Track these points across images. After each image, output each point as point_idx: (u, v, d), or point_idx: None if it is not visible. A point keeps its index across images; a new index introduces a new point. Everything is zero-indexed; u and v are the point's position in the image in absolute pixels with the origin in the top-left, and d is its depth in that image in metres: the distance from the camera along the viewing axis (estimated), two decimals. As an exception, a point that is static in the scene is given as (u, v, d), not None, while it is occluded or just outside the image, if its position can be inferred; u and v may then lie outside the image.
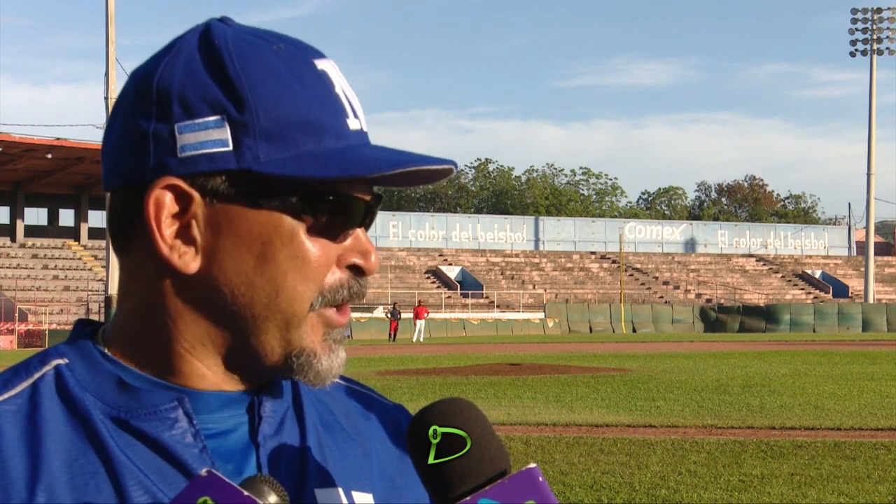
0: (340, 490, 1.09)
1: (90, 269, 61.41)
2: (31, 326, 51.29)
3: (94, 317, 50.35)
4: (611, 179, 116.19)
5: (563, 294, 73.98)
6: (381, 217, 75.48)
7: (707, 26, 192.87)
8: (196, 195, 1.02)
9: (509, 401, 16.86)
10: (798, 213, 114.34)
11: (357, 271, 1.07)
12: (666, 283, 79.75)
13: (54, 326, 49.76)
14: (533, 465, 0.97)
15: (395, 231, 76.07)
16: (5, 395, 1.02)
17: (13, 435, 1.00)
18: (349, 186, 1.05)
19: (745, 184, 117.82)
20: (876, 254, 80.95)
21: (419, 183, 1.10)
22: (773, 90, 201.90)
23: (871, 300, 72.98)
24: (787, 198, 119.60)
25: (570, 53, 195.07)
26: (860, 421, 13.83)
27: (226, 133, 1.01)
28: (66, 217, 66.23)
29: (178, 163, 1.01)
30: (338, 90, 1.06)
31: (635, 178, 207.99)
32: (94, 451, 1.00)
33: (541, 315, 65.79)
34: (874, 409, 15.23)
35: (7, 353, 40.28)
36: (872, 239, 75.83)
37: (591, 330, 65.43)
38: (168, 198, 1.02)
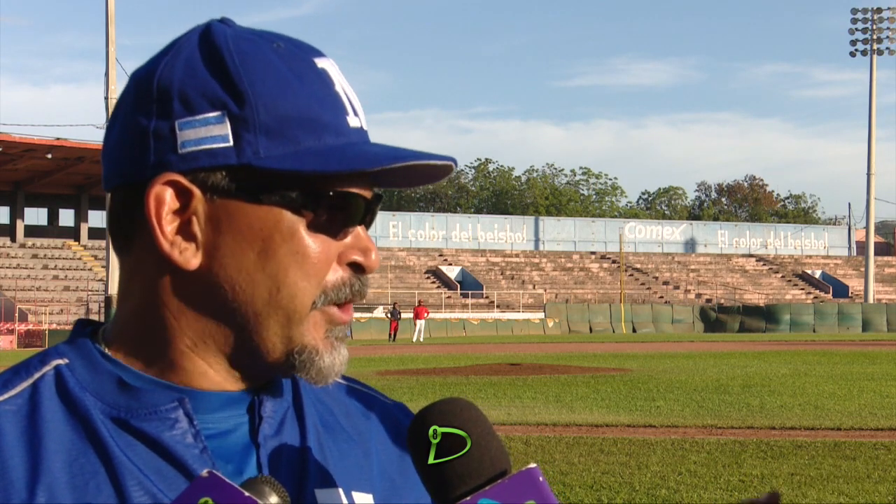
0: (340, 490, 1.09)
1: (90, 269, 61.42)
2: (31, 326, 51.29)
3: (94, 317, 50.35)
4: (611, 179, 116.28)
5: (563, 294, 73.99)
6: (381, 217, 75.48)
7: (707, 26, 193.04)
8: (196, 191, 1.02)
9: (509, 401, 16.86)
10: (798, 213, 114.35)
11: (357, 269, 1.07)
12: (666, 283, 79.75)
13: (54, 326, 49.76)
14: (533, 465, 0.97)
15: (395, 231, 76.08)
16: (5, 395, 1.02)
17: (13, 435, 1.00)
18: (349, 183, 1.05)
19: (745, 184, 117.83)
20: (876, 254, 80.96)
21: (419, 183, 1.10)
22: (773, 90, 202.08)
23: (871, 300, 72.98)
24: (787, 198, 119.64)
25: (570, 53, 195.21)
26: (860, 421, 13.83)
27: (226, 129, 1.01)
28: (66, 217, 66.25)
29: (179, 159, 1.02)
30: (338, 88, 1.07)
31: (635, 178, 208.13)
32: (95, 452, 1.00)
33: (541, 315, 65.79)
34: (874, 409, 15.23)
35: (7, 353, 40.28)
36: (872, 239, 75.83)
37: (591, 330, 65.43)
38: (169, 194, 1.02)
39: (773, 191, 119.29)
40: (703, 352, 34.62)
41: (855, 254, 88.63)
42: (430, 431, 0.98)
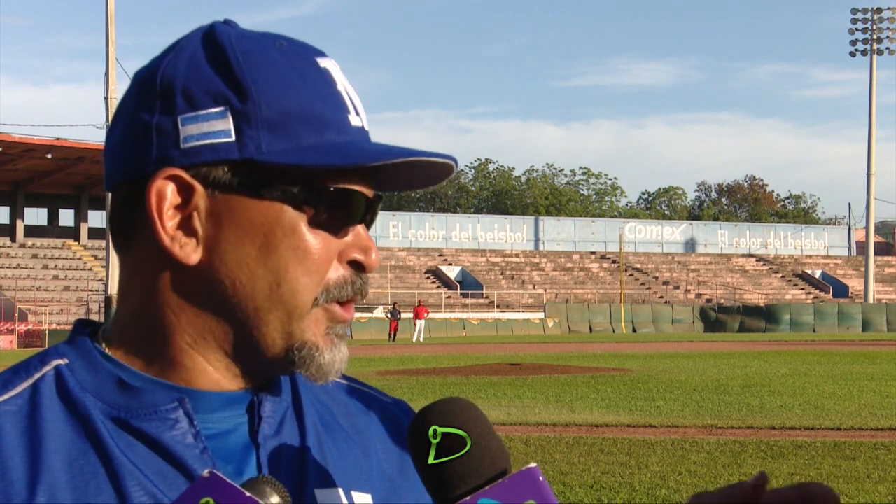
0: (340, 490, 1.09)
1: (90, 269, 61.42)
2: (31, 326, 51.29)
3: (94, 317, 50.36)
4: (611, 179, 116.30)
5: (563, 294, 73.99)
6: (381, 217, 75.47)
7: (707, 26, 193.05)
8: (198, 186, 1.02)
9: (509, 401, 16.86)
10: (798, 213, 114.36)
11: (358, 268, 1.07)
12: (666, 283, 79.75)
13: (54, 326, 49.76)
14: (533, 464, 0.97)
15: (395, 231, 76.08)
16: (5, 396, 1.02)
17: (13, 435, 1.00)
18: (351, 181, 1.05)
19: (745, 184, 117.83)
20: (876, 254, 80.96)
21: (420, 185, 1.11)
22: (773, 90, 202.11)
23: (871, 300, 72.98)
24: (787, 198, 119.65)
25: (570, 53, 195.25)
26: (860, 421, 13.83)
27: (228, 123, 1.02)
28: (66, 217, 66.26)
29: (181, 154, 1.02)
30: (340, 88, 1.07)
31: (635, 178, 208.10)
32: (95, 452, 1.00)
33: (541, 315, 65.79)
34: (874, 409, 15.23)
35: (7, 353, 40.28)
36: (872, 239, 75.83)
37: (591, 330, 65.42)
38: (170, 189, 1.02)
39: (773, 191, 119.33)
40: (703, 352, 34.62)
41: (855, 254, 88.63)
42: (430, 431, 0.98)
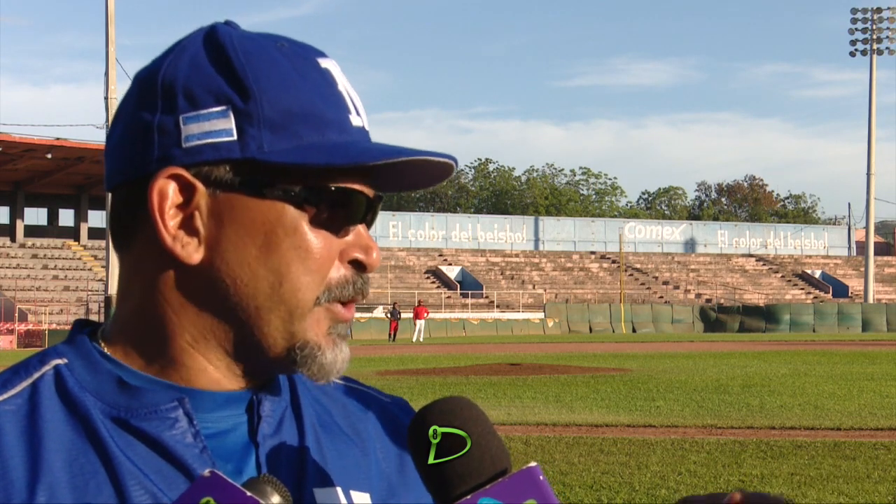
0: (339, 489, 1.09)
1: (90, 269, 61.42)
2: (30, 326, 51.29)
3: (94, 317, 50.37)
4: (610, 179, 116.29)
5: (563, 294, 73.99)
6: (381, 217, 75.47)
7: (707, 26, 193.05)
8: (200, 185, 1.03)
9: (509, 401, 16.86)
10: (798, 213, 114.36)
11: (359, 267, 1.07)
12: (666, 283, 79.75)
13: (54, 326, 49.76)
14: (533, 463, 0.97)
15: (395, 231, 76.08)
16: (5, 395, 1.02)
17: (13, 435, 1.00)
18: (352, 180, 1.05)
19: (745, 184, 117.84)
20: (876, 254, 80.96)
21: (420, 185, 1.11)
22: (773, 90, 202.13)
23: (870, 300, 72.98)
24: (787, 198, 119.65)
25: (570, 53, 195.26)
26: (860, 421, 13.83)
27: (230, 123, 1.02)
28: (66, 217, 66.26)
29: (183, 153, 1.02)
30: (340, 88, 1.08)
31: (635, 178, 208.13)
32: (95, 451, 1.00)
33: (541, 315, 65.80)
34: (874, 409, 15.23)
35: (7, 353, 40.29)
36: (872, 239, 75.83)
37: (590, 330, 65.43)
38: (172, 188, 1.02)
39: (773, 191, 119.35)
40: (703, 352, 34.63)
41: (855, 254, 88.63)
42: (430, 431, 0.98)
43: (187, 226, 1.03)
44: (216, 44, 1.05)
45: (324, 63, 1.08)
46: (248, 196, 1.03)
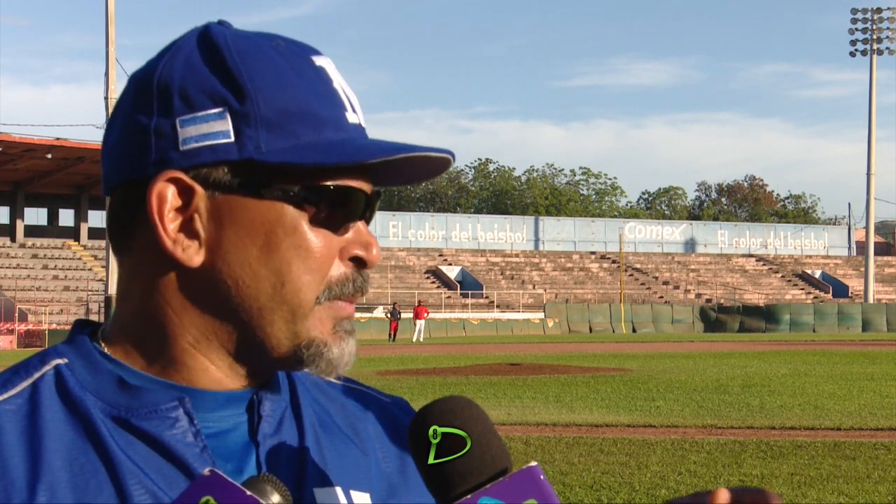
0: (339, 489, 1.09)
1: (90, 269, 61.41)
2: (31, 326, 51.29)
3: (94, 317, 50.37)
4: (610, 179, 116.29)
5: (563, 294, 73.99)
6: (381, 217, 75.50)
7: (707, 26, 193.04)
8: (198, 188, 1.02)
9: (509, 401, 16.86)
10: (798, 213, 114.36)
11: (359, 263, 1.07)
12: (666, 283, 79.76)
13: (54, 326, 49.76)
14: (534, 463, 0.97)
15: (395, 231, 76.08)
16: (5, 395, 1.02)
17: (14, 434, 1.00)
18: (350, 178, 1.05)
19: (745, 184, 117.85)
20: (876, 254, 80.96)
21: (418, 179, 1.11)
22: (773, 90, 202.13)
23: (871, 300, 72.98)
24: (787, 198, 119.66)
25: (570, 53, 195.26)
26: (860, 421, 13.83)
27: (227, 124, 1.02)
28: (66, 217, 66.26)
29: (180, 156, 1.02)
30: (336, 85, 1.07)
31: (635, 178, 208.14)
32: (95, 451, 1.00)
33: (541, 315, 65.80)
34: (874, 409, 15.23)
35: (7, 353, 40.28)
36: (872, 239, 75.83)
37: (590, 330, 65.43)
38: (171, 191, 1.02)
39: (773, 191, 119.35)
40: (703, 352, 34.63)
41: (855, 254, 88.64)
42: (430, 431, 0.98)
43: (187, 229, 1.03)
44: (210, 44, 1.04)
45: (318, 61, 1.07)
46: (247, 197, 1.02)
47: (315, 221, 1.04)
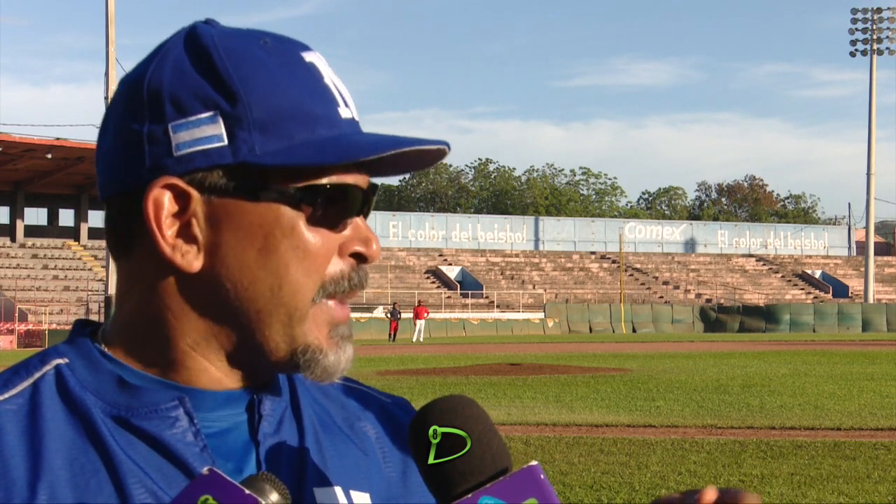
0: (338, 489, 1.09)
1: (90, 269, 61.41)
2: (31, 326, 51.28)
3: (94, 317, 50.35)
4: (610, 179, 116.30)
5: (563, 294, 73.98)
6: (381, 217, 75.53)
7: (707, 26, 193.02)
8: (194, 193, 1.02)
9: (509, 401, 16.86)
10: (798, 213, 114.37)
11: (359, 259, 1.07)
12: (666, 283, 79.75)
13: (54, 326, 49.75)
14: (534, 462, 0.97)
15: (395, 231, 76.07)
16: (6, 395, 1.02)
17: (14, 434, 1.00)
18: (345, 175, 1.05)
19: (745, 184, 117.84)
20: (876, 254, 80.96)
21: (413, 168, 1.10)
22: (772, 90, 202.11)
23: (871, 300, 72.98)
24: (787, 198, 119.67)
25: (570, 53, 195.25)
26: (860, 421, 13.83)
27: (220, 128, 1.01)
28: (66, 217, 66.25)
29: (175, 162, 1.02)
30: (327, 81, 1.07)
31: (635, 178, 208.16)
32: (95, 450, 1.00)
33: (541, 315, 65.79)
34: (874, 409, 15.23)
35: (7, 353, 40.28)
36: (872, 239, 75.84)
37: (590, 330, 65.43)
38: (167, 197, 1.02)
39: (773, 191, 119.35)
40: (703, 352, 34.62)
41: (855, 254, 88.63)
42: (430, 431, 0.98)
43: (185, 233, 1.03)
44: (198, 45, 1.04)
45: (308, 57, 1.07)
46: (243, 200, 1.02)
47: (313, 221, 1.04)
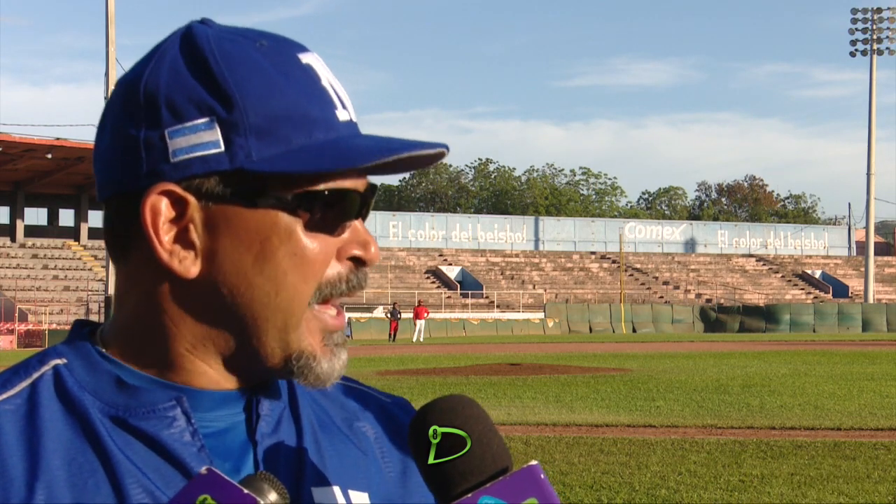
0: (337, 489, 1.09)
1: (90, 269, 61.41)
2: (31, 326, 51.28)
3: (94, 317, 50.37)
4: (610, 179, 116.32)
5: (563, 294, 73.98)
6: (381, 217, 75.55)
7: (707, 26, 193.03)
8: (192, 199, 1.02)
9: (509, 401, 16.86)
10: (798, 213, 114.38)
11: (358, 262, 1.07)
12: (666, 283, 79.75)
13: (54, 326, 49.76)
14: (534, 462, 0.97)
15: (395, 231, 76.08)
16: (4, 395, 1.02)
17: (12, 434, 1.00)
18: (343, 179, 1.04)
19: (745, 184, 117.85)
20: (876, 254, 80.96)
21: (411, 169, 1.09)
22: (772, 90, 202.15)
23: (871, 300, 72.98)
24: (787, 198, 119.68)
25: (570, 53, 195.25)
26: (860, 421, 13.83)
27: (216, 134, 1.01)
28: (66, 217, 66.26)
29: (172, 168, 1.01)
30: (324, 83, 1.06)
31: (635, 178, 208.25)
32: (93, 450, 1.00)
33: (541, 315, 65.79)
34: (874, 409, 15.23)
35: (7, 353, 40.27)
36: (872, 239, 75.84)
37: (591, 330, 65.43)
38: (164, 204, 1.01)
39: (773, 191, 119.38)
40: (703, 352, 34.62)
41: (855, 254, 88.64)
42: (430, 432, 0.98)
43: (182, 239, 1.02)
44: (194, 48, 1.03)
45: (305, 58, 1.06)
46: (240, 206, 1.02)
47: (310, 226, 1.03)
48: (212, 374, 1.05)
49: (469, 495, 0.95)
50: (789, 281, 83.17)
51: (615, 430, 13.11)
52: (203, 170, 1.01)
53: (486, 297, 70.14)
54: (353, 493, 1.10)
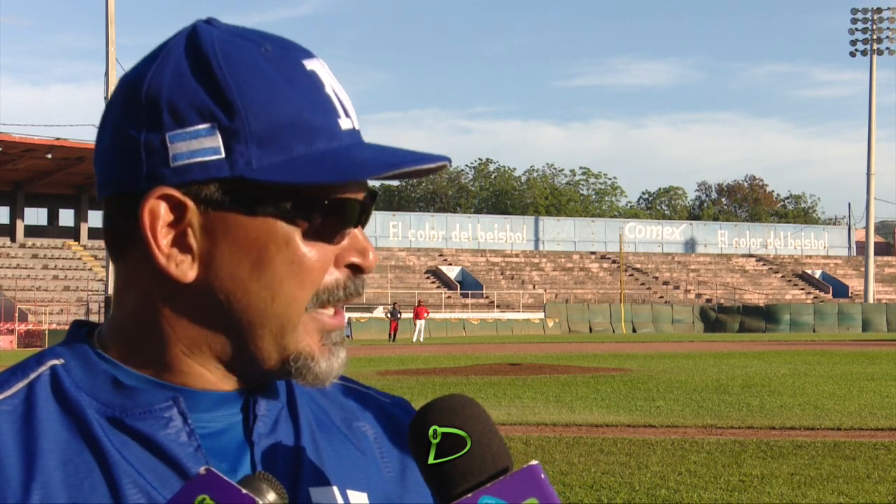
0: (335, 489, 1.08)
1: (90, 269, 61.42)
2: (31, 326, 51.30)
3: (94, 317, 50.40)
4: (610, 179, 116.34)
5: (563, 294, 73.99)
6: (381, 217, 75.54)
7: (707, 26, 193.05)
8: (190, 204, 1.01)
9: (509, 401, 16.86)
10: (798, 213, 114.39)
11: (356, 269, 1.06)
12: (666, 283, 79.76)
13: (54, 326, 49.75)
14: (534, 462, 0.96)
15: (395, 231, 76.08)
16: (1, 396, 1.02)
17: (9, 435, 1.00)
18: (342, 187, 1.04)
19: (745, 184, 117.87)
20: (876, 254, 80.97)
21: (411, 177, 1.09)
22: (772, 90, 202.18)
23: (871, 300, 72.99)
24: (787, 198, 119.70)
25: (570, 53, 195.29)
26: (860, 421, 13.83)
27: (217, 141, 1.00)
28: (66, 217, 66.27)
29: (171, 172, 1.01)
30: (328, 90, 1.05)
31: (635, 178, 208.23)
32: (89, 451, 1.00)
33: (541, 315, 65.80)
34: (874, 409, 15.23)
35: (7, 353, 40.28)
36: (872, 239, 75.84)
37: (591, 330, 65.44)
38: (163, 207, 1.01)
39: (773, 191, 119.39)
40: (703, 352, 34.63)
41: (855, 254, 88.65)
42: (430, 431, 0.98)
43: (180, 243, 1.02)
44: (198, 50, 1.02)
45: (309, 65, 1.05)
46: (239, 213, 1.02)
47: (309, 234, 1.03)
48: (209, 376, 1.05)
49: (469, 495, 0.95)
50: (789, 281, 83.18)
51: (615, 430, 13.11)
52: (203, 176, 1.01)
53: (486, 297, 70.15)
54: (351, 493, 1.10)
